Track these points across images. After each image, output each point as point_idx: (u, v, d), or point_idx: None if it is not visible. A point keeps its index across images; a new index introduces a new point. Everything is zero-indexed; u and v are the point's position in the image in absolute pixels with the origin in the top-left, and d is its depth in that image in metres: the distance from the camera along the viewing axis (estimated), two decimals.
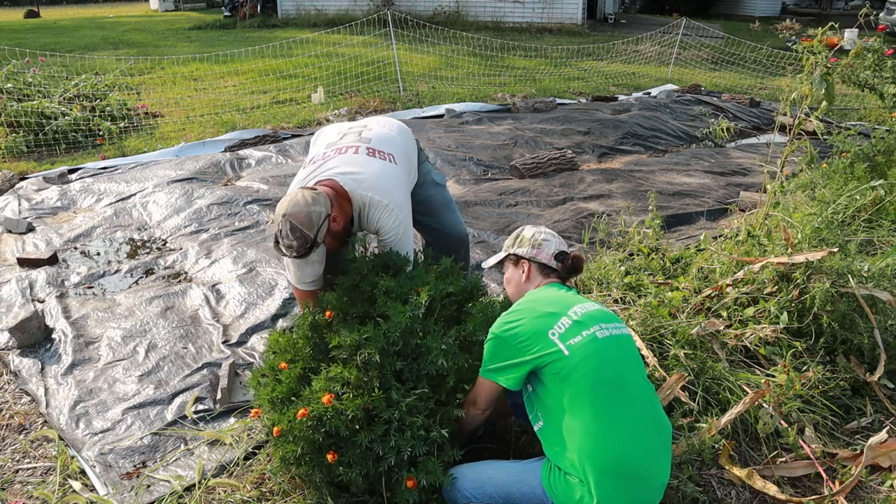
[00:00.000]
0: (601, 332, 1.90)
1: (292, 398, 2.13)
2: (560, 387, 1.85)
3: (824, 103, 3.09)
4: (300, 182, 2.52)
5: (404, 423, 2.00)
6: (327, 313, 2.34)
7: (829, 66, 3.10)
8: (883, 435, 2.43)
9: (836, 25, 3.20)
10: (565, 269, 2.20)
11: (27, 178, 5.52)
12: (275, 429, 2.05)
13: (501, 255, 2.32)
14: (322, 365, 2.19)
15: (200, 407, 2.73)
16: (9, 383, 2.94)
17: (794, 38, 3.55)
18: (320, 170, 2.50)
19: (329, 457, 1.97)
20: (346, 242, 2.49)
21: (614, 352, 1.91)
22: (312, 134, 6.59)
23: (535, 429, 1.95)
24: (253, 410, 2.34)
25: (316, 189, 2.31)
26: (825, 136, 3.51)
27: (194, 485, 2.28)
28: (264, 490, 2.28)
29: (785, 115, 3.41)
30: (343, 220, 2.38)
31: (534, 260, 2.19)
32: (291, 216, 2.22)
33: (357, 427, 1.99)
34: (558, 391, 1.86)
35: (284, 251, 2.28)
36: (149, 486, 2.32)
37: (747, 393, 2.51)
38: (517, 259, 2.25)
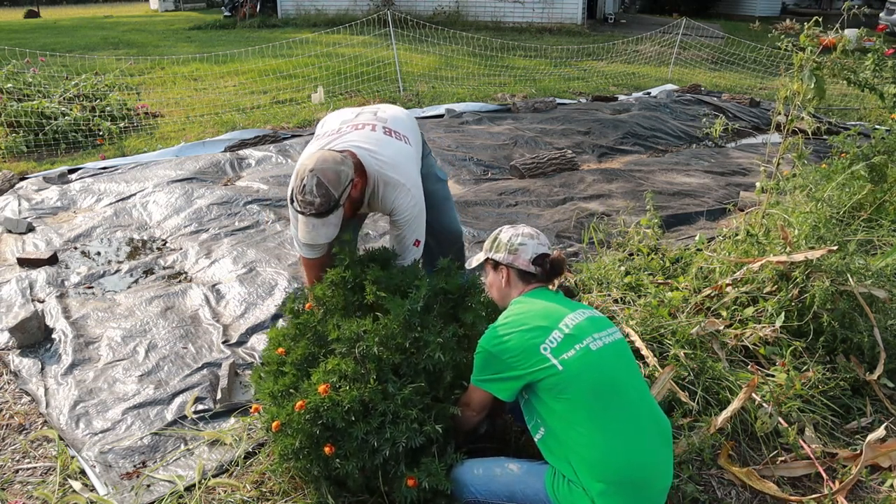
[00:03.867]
0: (594, 343, 1.89)
1: (291, 391, 2.14)
2: (556, 401, 1.84)
3: (813, 98, 3.10)
4: (315, 150, 2.45)
5: (399, 416, 2.01)
6: (307, 305, 2.40)
7: (817, 61, 3.11)
8: (881, 432, 2.42)
9: (820, 21, 3.21)
10: (545, 274, 2.11)
11: (27, 178, 5.52)
12: (274, 423, 2.06)
13: (482, 256, 2.24)
14: (321, 357, 2.21)
15: (200, 407, 2.73)
16: (9, 383, 2.94)
17: (782, 37, 3.54)
18: (337, 141, 2.44)
19: (326, 449, 1.99)
20: (359, 208, 2.45)
21: (609, 361, 1.89)
22: (312, 134, 6.62)
23: (536, 439, 1.95)
24: (253, 406, 2.35)
25: (342, 152, 2.27)
26: (824, 136, 3.53)
27: (194, 485, 2.28)
28: (264, 490, 2.28)
29: (780, 114, 3.42)
30: (360, 188, 2.34)
31: (511, 266, 2.11)
32: (320, 171, 2.16)
33: (353, 419, 2.00)
34: (555, 405, 1.85)
35: (302, 208, 2.19)
36: (149, 486, 2.32)
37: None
38: (496, 264, 2.16)
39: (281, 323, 3.35)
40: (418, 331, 2.14)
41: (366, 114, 2.64)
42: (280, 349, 2.33)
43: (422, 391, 2.08)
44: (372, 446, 2.00)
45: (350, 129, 2.52)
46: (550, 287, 2.14)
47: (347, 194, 2.23)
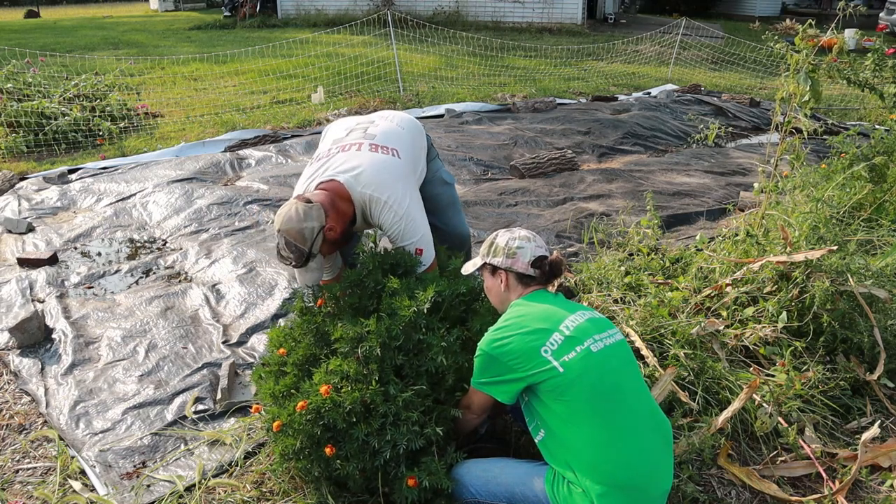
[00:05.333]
0: (595, 345, 1.88)
1: (293, 391, 2.14)
2: (557, 403, 1.84)
3: (809, 99, 3.10)
4: (305, 181, 2.53)
5: (400, 418, 2.01)
6: (318, 301, 2.39)
7: (813, 62, 3.11)
8: (875, 430, 2.42)
9: (813, 24, 3.21)
10: (544, 276, 2.09)
11: (27, 178, 5.52)
12: (275, 423, 2.07)
13: (478, 261, 2.21)
14: (323, 357, 2.21)
15: (200, 407, 2.73)
16: (9, 383, 2.94)
17: (775, 37, 3.55)
18: (323, 168, 2.51)
19: (327, 450, 1.99)
20: (350, 238, 2.52)
21: (610, 364, 1.89)
22: (312, 134, 6.64)
23: (536, 440, 1.95)
24: (254, 406, 2.35)
25: (310, 201, 2.31)
26: (823, 136, 3.53)
27: (194, 485, 2.28)
28: (264, 490, 2.28)
29: (779, 114, 3.42)
30: (341, 226, 2.40)
31: (510, 270, 2.09)
32: (285, 232, 2.27)
33: (354, 420, 2.00)
34: (556, 407, 1.85)
35: (284, 261, 2.35)
36: (149, 486, 2.32)
37: None
38: (493, 269, 2.14)
39: (281, 323, 3.35)
40: (423, 333, 2.14)
41: (356, 131, 2.68)
42: (281, 350, 2.33)
43: (423, 393, 2.08)
44: (373, 448, 2.00)
45: (337, 151, 2.57)
46: (550, 288, 2.13)
47: (320, 242, 2.32)
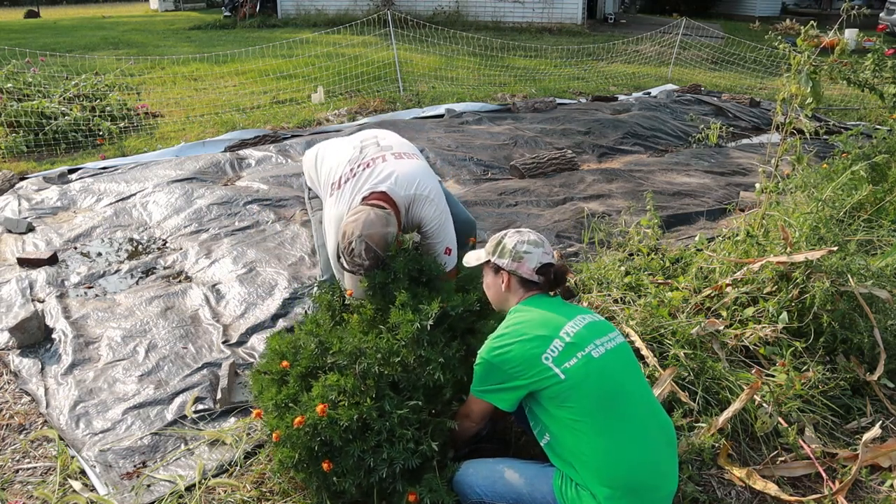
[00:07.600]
0: (596, 350, 1.88)
1: (291, 405, 2.12)
2: (560, 409, 1.84)
3: (810, 101, 3.11)
4: (346, 203, 2.52)
5: (394, 435, 2.00)
6: (348, 292, 2.41)
7: (815, 64, 3.12)
8: (877, 431, 2.42)
9: (815, 24, 3.21)
10: (548, 283, 2.07)
11: (27, 178, 5.52)
12: (274, 433, 2.06)
13: (482, 256, 2.18)
14: (321, 372, 2.19)
15: (200, 407, 2.73)
16: (9, 383, 2.94)
17: (780, 37, 3.56)
18: (358, 186, 2.54)
19: (324, 465, 1.98)
20: None
21: (612, 367, 1.89)
22: (312, 134, 6.64)
23: (542, 444, 1.95)
24: (255, 411, 2.35)
25: (384, 207, 2.33)
26: (824, 136, 3.53)
27: (194, 485, 2.28)
28: (264, 490, 2.28)
29: (780, 114, 3.42)
30: (399, 223, 2.46)
31: (514, 273, 2.06)
32: (367, 237, 2.23)
33: (350, 437, 1.99)
34: (559, 413, 1.85)
35: (351, 269, 2.30)
36: (149, 486, 2.32)
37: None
38: (497, 268, 2.11)
39: (281, 323, 3.35)
40: (425, 348, 2.12)
41: (369, 147, 2.71)
42: (284, 363, 2.29)
43: (418, 409, 2.06)
44: (368, 465, 1.98)
45: (363, 168, 2.60)
46: (550, 293, 2.13)
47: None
